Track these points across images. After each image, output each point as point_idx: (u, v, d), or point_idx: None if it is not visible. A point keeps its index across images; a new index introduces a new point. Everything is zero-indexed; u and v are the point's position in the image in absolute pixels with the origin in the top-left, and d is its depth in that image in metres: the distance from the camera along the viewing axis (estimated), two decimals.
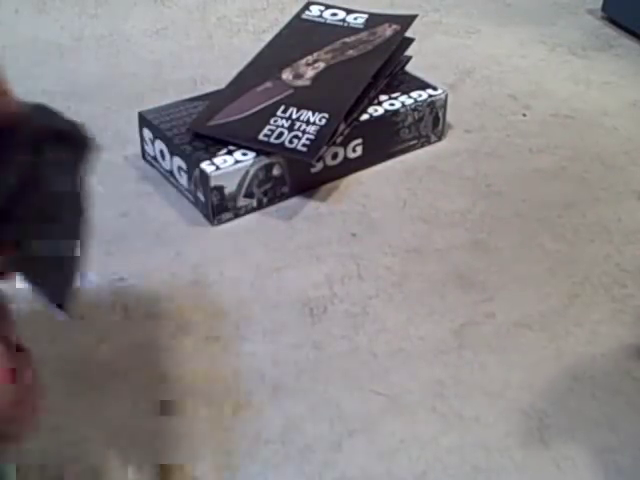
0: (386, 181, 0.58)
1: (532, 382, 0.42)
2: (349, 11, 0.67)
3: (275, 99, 0.57)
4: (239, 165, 0.53)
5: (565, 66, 0.75)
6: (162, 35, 0.78)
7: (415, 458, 0.38)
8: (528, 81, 0.72)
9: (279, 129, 0.55)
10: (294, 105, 0.57)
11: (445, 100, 0.61)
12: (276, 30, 0.66)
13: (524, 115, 0.67)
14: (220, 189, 0.52)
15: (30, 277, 0.30)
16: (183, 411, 0.40)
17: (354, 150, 0.58)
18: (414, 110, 0.60)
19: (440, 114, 0.62)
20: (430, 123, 0.61)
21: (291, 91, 0.58)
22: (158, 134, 0.56)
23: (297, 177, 0.56)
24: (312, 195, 0.56)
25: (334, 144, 0.56)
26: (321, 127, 0.54)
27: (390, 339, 0.45)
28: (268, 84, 0.59)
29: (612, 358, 0.44)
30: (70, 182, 0.34)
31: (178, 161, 0.55)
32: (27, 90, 0.75)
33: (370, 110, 0.59)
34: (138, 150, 0.60)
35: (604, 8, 0.83)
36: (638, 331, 0.45)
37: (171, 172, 0.56)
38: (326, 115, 0.55)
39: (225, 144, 0.54)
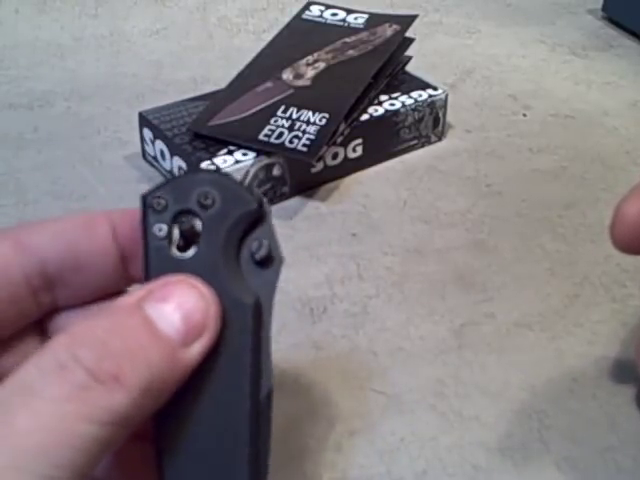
0: (386, 181, 0.58)
1: (532, 382, 0.42)
2: (349, 11, 0.67)
3: (275, 99, 0.57)
4: (239, 165, 0.53)
5: (565, 66, 0.74)
6: (162, 35, 0.78)
7: (415, 457, 0.38)
8: (528, 81, 0.72)
9: (279, 129, 0.55)
10: (294, 105, 0.57)
11: (445, 100, 0.61)
12: (276, 30, 0.66)
13: (524, 115, 0.67)
14: None
15: None
16: None
17: (354, 150, 0.58)
18: (414, 110, 0.60)
19: (440, 114, 0.62)
20: (430, 123, 0.61)
21: (291, 91, 0.58)
22: (158, 134, 0.56)
23: (297, 177, 0.56)
24: (312, 195, 0.56)
25: (334, 144, 0.56)
26: (321, 127, 0.54)
27: (390, 339, 0.45)
28: (268, 84, 0.59)
29: (612, 358, 0.44)
30: None
31: (178, 161, 0.55)
32: (27, 90, 0.75)
33: (370, 110, 0.59)
34: (138, 150, 0.60)
35: (604, 8, 0.83)
36: (638, 331, 0.45)
37: (171, 172, 0.56)
38: (326, 115, 0.55)
39: (225, 144, 0.54)
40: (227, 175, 0.27)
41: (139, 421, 0.24)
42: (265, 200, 0.28)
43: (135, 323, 0.24)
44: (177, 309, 0.25)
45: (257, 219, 0.27)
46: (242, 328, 0.26)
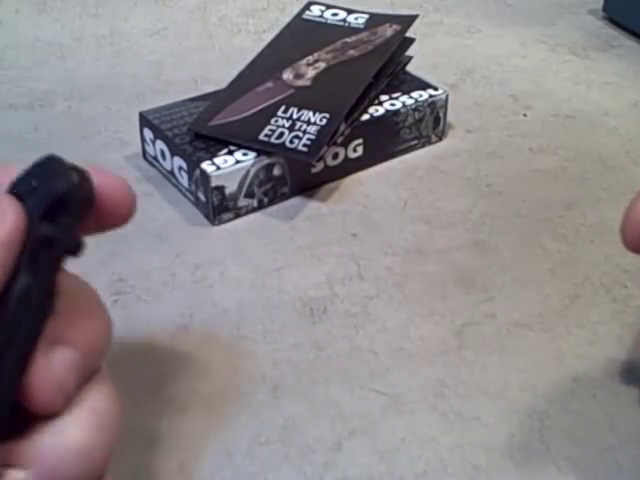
0: (387, 181, 0.58)
1: (533, 382, 0.42)
2: (350, 11, 0.67)
3: (276, 99, 0.57)
4: (240, 165, 0.53)
5: (566, 66, 0.75)
6: (163, 35, 0.78)
7: (416, 457, 0.38)
8: (529, 81, 0.72)
9: (280, 129, 0.55)
10: (295, 105, 0.57)
11: (446, 100, 0.61)
12: (277, 30, 0.66)
13: (525, 115, 0.67)
14: (221, 189, 0.52)
15: None
16: (183, 411, 0.40)
17: (355, 150, 0.58)
18: (415, 110, 0.60)
19: (441, 114, 0.62)
20: (431, 123, 0.61)
21: (292, 91, 0.58)
22: (159, 134, 0.56)
23: (298, 177, 0.56)
24: (313, 195, 0.56)
25: (335, 144, 0.56)
26: (322, 127, 0.54)
27: (391, 339, 0.45)
28: (269, 84, 0.59)
29: (613, 359, 0.44)
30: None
31: (179, 161, 0.55)
32: (28, 90, 0.75)
33: (371, 110, 0.59)
34: (139, 150, 0.60)
35: (605, 8, 0.83)
36: (639, 332, 0.45)
37: (172, 172, 0.56)
38: (327, 115, 0.55)
39: (226, 144, 0.54)
40: (50, 159, 0.28)
41: None
42: (85, 186, 0.28)
43: None
44: None
45: (64, 202, 0.27)
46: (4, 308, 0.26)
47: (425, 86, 0.62)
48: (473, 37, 0.79)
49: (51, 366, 0.27)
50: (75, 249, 0.28)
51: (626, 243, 0.36)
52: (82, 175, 0.28)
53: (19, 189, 0.28)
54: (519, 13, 0.85)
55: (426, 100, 0.60)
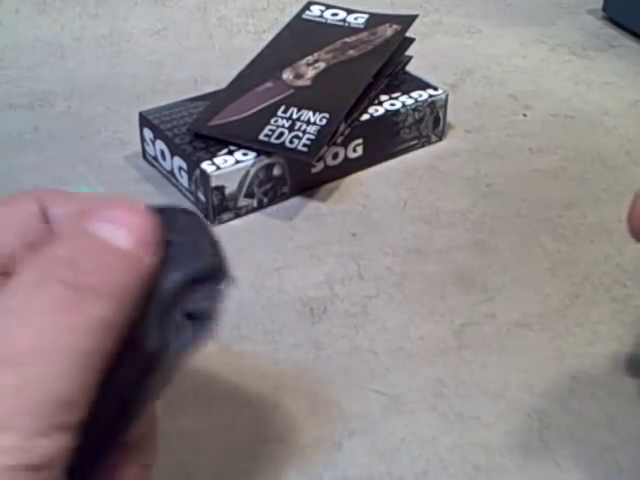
0: (386, 181, 0.58)
1: (532, 382, 0.42)
2: (350, 11, 0.67)
3: (275, 99, 0.58)
4: (240, 165, 0.53)
5: (566, 66, 0.75)
6: (162, 35, 0.78)
7: (416, 457, 0.38)
8: (529, 81, 0.72)
9: (279, 129, 0.55)
10: (295, 105, 0.57)
11: (446, 100, 0.62)
12: (276, 30, 0.66)
13: (525, 115, 0.67)
14: (221, 189, 0.52)
15: None
16: (183, 411, 0.40)
17: (354, 150, 0.58)
18: (415, 110, 0.60)
19: (441, 114, 0.62)
20: (431, 123, 0.61)
21: (291, 91, 0.58)
22: (159, 134, 0.56)
23: (297, 177, 0.56)
24: (312, 195, 0.56)
25: (334, 144, 0.56)
26: (322, 127, 0.54)
27: (390, 339, 0.45)
28: (268, 84, 0.59)
29: (612, 358, 0.44)
30: None
31: (179, 161, 0.55)
32: (27, 90, 0.75)
33: (370, 110, 0.59)
34: (139, 150, 0.60)
35: (605, 8, 0.83)
36: (638, 331, 0.45)
37: (172, 172, 0.56)
38: (327, 115, 0.55)
39: (226, 144, 0.54)
40: (195, 216, 0.27)
41: (120, 328, 0.24)
42: (226, 268, 0.27)
43: (91, 244, 0.25)
44: (121, 225, 0.25)
45: (209, 277, 0.27)
46: (132, 369, 0.26)
47: (425, 86, 0.62)
48: (473, 37, 0.79)
49: None
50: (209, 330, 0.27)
51: (633, 232, 0.36)
52: (222, 253, 0.27)
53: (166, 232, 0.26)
54: (519, 13, 0.85)
55: (426, 100, 0.60)
